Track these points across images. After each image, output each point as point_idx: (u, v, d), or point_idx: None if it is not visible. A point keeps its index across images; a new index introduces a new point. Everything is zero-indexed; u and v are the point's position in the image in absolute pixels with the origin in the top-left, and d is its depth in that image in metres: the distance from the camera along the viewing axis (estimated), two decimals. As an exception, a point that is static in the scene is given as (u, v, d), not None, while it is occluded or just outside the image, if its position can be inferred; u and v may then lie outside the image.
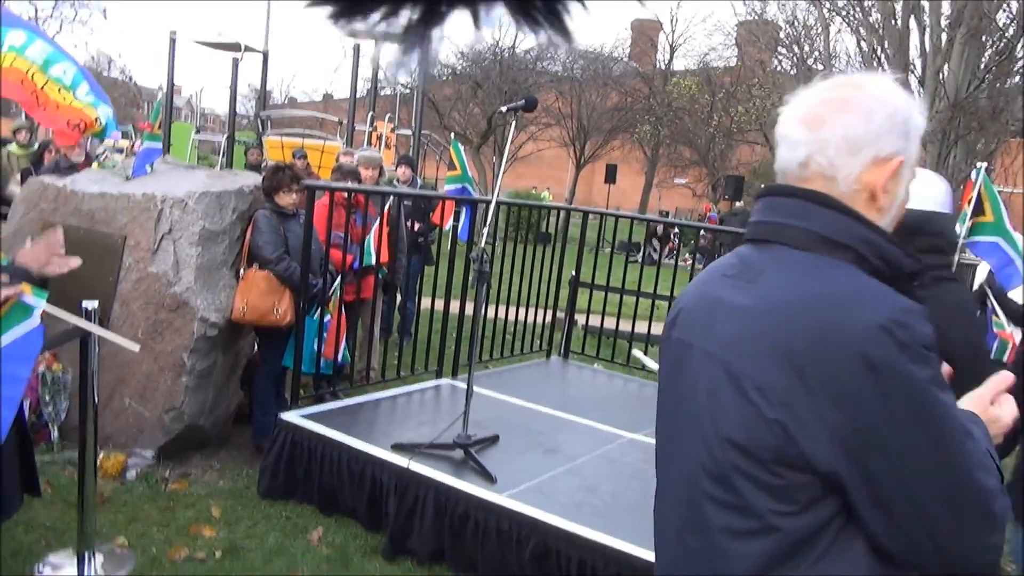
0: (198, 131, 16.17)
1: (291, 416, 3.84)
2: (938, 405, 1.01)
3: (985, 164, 3.89)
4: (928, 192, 1.93)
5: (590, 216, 6.57)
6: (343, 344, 4.46)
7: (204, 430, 4.22)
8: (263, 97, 13.82)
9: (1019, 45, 17.18)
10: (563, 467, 3.67)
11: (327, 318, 4.30)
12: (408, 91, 16.18)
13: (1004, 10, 14.74)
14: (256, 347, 4.57)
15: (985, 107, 16.37)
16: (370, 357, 5.08)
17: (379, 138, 13.75)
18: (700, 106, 23.58)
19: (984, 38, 15.41)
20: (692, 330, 1.21)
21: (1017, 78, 17.66)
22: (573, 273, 6.11)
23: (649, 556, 2.76)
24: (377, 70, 12.62)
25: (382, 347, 5.09)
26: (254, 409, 4.43)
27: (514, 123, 3.62)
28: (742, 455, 1.06)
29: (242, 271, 4.20)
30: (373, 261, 4.65)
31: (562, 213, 7.12)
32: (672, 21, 32.67)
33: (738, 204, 15.79)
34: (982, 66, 16.01)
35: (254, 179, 4.54)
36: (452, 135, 8.18)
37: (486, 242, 3.62)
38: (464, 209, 5.84)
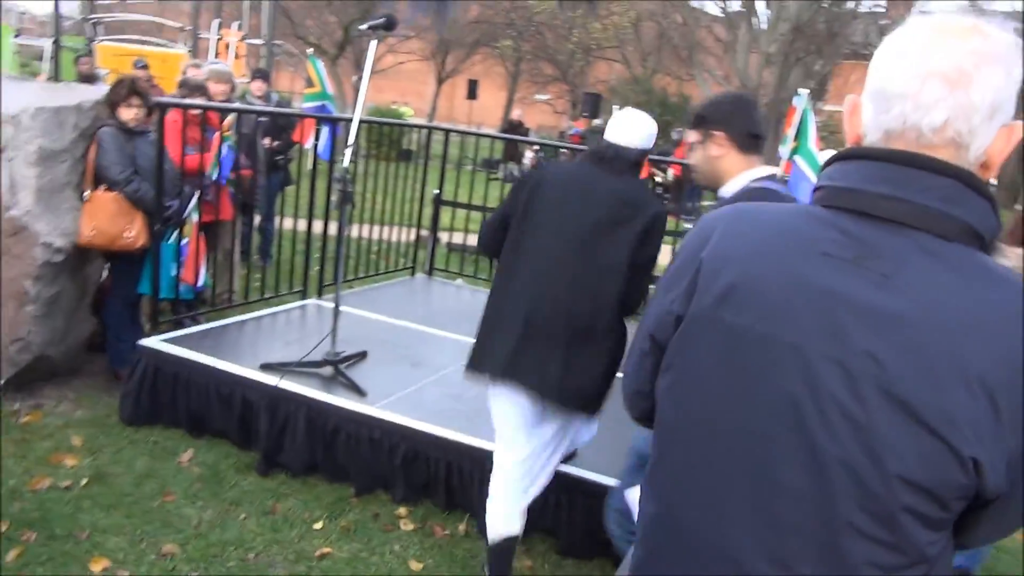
0: (17, 34, 14.52)
1: (152, 342, 3.77)
2: None
3: (807, 91, 4.28)
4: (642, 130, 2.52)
5: (452, 134, 6.61)
6: (203, 268, 4.36)
7: (54, 360, 4.06)
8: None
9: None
10: (429, 378, 3.85)
11: (184, 241, 4.18)
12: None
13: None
14: (106, 272, 4.38)
15: (823, 31, 17.48)
16: (232, 280, 5.00)
17: (227, 47, 12.94)
18: (560, 21, 23.61)
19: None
20: (780, 322, 0.98)
21: (851, 3, 18.86)
22: (436, 191, 6.17)
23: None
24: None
25: (244, 269, 5.00)
26: (108, 336, 4.29)
27: (374, 42, 3.56)
28: (920, 495, 0.91)
29: (87, 193, 3.98)
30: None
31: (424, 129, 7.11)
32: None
33: (596, 122, 16.18)
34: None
35: (94, 92, 4.25)
36: (310, 50, 7.86)
37: (349, 161, 3.61)
38: (325, 127, 5.71)
